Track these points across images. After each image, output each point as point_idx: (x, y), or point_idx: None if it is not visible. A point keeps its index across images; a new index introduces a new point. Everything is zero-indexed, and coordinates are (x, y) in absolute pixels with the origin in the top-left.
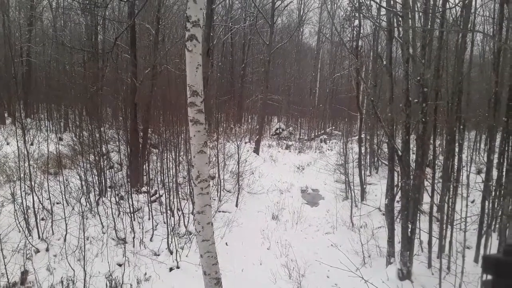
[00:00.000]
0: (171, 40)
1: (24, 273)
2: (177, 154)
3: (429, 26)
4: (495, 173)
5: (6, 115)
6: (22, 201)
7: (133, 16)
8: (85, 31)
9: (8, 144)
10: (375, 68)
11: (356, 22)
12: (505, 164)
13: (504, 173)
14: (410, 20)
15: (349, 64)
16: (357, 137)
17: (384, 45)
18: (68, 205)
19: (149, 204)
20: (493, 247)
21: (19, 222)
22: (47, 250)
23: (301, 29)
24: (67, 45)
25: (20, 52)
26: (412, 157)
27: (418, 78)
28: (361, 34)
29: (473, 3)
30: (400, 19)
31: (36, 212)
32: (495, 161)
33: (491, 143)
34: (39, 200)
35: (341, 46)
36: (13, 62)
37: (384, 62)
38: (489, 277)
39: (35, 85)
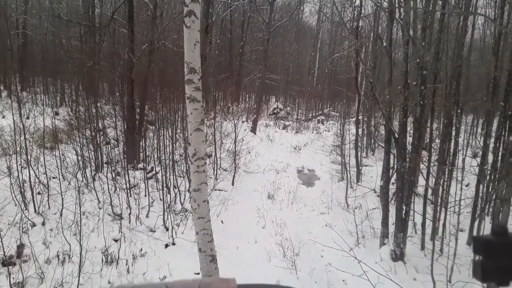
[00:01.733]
0: (169, 15)
1: (20, 247)
2: (174, 131)
3: (430, 8)
4: (490, 157)
5: (1, 88)
6: (18, 174)
7: None
8: (82, 4)
9: (3, 117)
10: (374, 50)
11: (357, 1)
12: (501, 148)
13: (499, 158)
14: (411, 1)
15: (348, 45)
16: (354, 118)
17: (385, 26)
18: (64, 180)
19: (146, 181)
20: (486, 231)
21: (15, 196)
22: (43, 224)
23: (301, 8)
24: (63, 18)
25: (16, 24)
26: (409, 139)
27: (418, 60)
28: (361, 15)
29: None
30: (401, 0)
31: (32, 186)
32: (491, 145)
33: (488, 127)
34: (35, 174)
35: (341, 26)
36: (9, 35)
37: (384, 44)
38: (480, 257)
39: (31, 58)
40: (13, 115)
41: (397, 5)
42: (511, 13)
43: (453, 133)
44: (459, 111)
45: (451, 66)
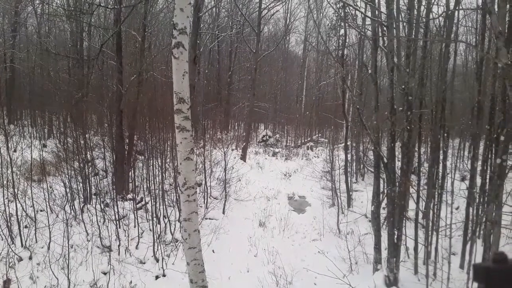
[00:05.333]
0: (157, 47)
1: (7, 282)
2: (163, 161)
3: (413, 36)
4: (478, 180)
5: None
6: (5, 208)
7: (119, 23)
8: (70, 38)
9: None
10: (360, 77)
11: (342, 31)
12: (488, 171)
13: (487, 180)
14: (394, 30)
15: (335, 73)
16: (343, 144)
17: (369, 54)
18: (52, 212)
19: (135, 211)
20: (478, 253)
21: (2, 230)
22: (30, 258)
23: (288, 38)
24: (51, 52)
25: (3, 58)
26: (398, 164)
27: (403, 86)
28: (346, 43)
29: (456, 13)
30: (385, 28)
31: (19, 219)
32: (479, 168)
33: (474, 150)
34: (23, 208)
35: (327, 55)
36: None
37: (369, 71)
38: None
39: (19, 91)
40: (0, 148)
41: (380, 34)
42: (492, 39)
43: (441, 156)
44: (445, 135)
45: (435, 92)
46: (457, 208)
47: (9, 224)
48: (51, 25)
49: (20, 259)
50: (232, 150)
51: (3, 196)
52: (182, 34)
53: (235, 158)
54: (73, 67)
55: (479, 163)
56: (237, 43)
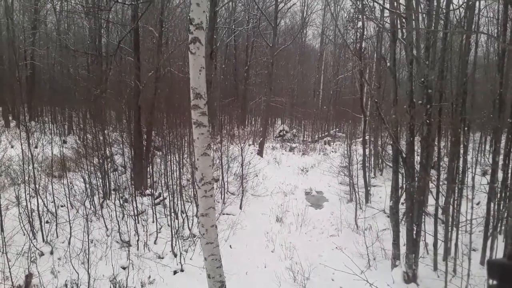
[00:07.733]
0: (174, 42)
1: (29, 276)
2: (181, 156)
3: (432, 28)
4: (500, 174)
5: (10, 118)
6: (26, 204)
7: (136, 19)
8: (89, 34)
9: (12, 147)
10: (379, 70)
11: (360, 23)
12: (510, 165)
13: (509, 175)
14: (413, 21)
15: (352, 66)
16: (361, 139)
17: (388, 47)
18: (72, 208)
19: (153, 207)
20: (499, 249)
21: (24, 225)
22: (51, 253)
23: (304, 31)
24: (71, 48)
25: (24, 55)
26: (417, 159)
27: (422, 79)
28: (364, 36)
29: (477, 4)
30: (403, 20)
31: (41, 215)
32: (501, 162)
33: (496, 144)
34: (44, 203)
35: (345, 48)
36: (17, 65)
37: (388, 64)
38: (494, 281)
39: (39, 88)
40: (21, 144)
41: (399, 26)
42: None
43: (461, 151)
44: (466, 128)
45: (456, 84)
46: (478, 204)
47: (30, 219)
48: (70, 22)
49: (42, 254)
50: (249, 145)
51: (25, 192)
52: (199, 29)
53: (252, 153)
54: (91, 63)
55: (501, 157)
56: (254, 38)
